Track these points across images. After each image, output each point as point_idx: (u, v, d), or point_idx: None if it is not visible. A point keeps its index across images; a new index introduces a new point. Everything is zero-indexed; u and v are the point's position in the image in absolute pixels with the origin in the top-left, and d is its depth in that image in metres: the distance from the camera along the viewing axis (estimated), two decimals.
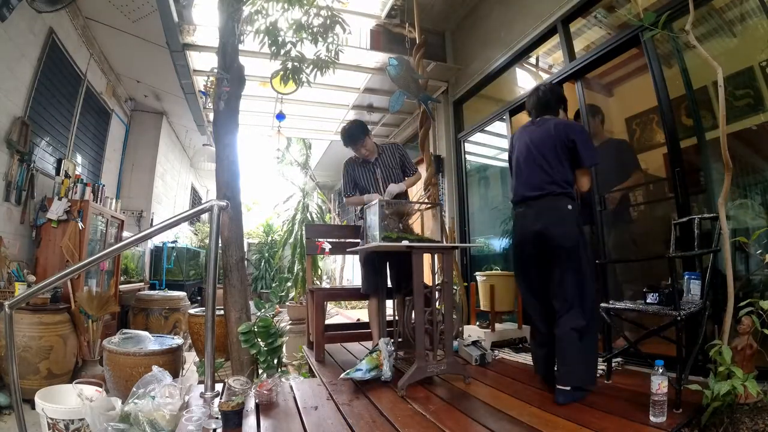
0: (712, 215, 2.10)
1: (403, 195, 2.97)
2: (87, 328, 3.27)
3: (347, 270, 8.21)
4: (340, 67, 3.50)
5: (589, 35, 3.43)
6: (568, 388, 1.98)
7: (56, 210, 3.63)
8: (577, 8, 3.28)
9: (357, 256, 3.29)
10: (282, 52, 2.68)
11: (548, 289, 2.16)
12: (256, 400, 2.02)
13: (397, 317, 2.99)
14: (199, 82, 4.65)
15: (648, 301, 2.06)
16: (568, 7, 3.32)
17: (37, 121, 3.71)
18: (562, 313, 2.06)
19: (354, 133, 2.93)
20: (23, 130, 3.41)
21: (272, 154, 7.05)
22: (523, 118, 4.09)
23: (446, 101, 5.05)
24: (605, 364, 2.37)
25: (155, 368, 2.19)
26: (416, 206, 2.91)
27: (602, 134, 3.24)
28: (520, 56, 4.00)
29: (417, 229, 2.89)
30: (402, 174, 3.05)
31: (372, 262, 2.88)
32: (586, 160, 2.13)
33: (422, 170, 4.13)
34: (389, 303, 3.07)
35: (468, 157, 4.89)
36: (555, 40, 3.59)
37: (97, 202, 4.16)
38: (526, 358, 2.95)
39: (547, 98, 2.33)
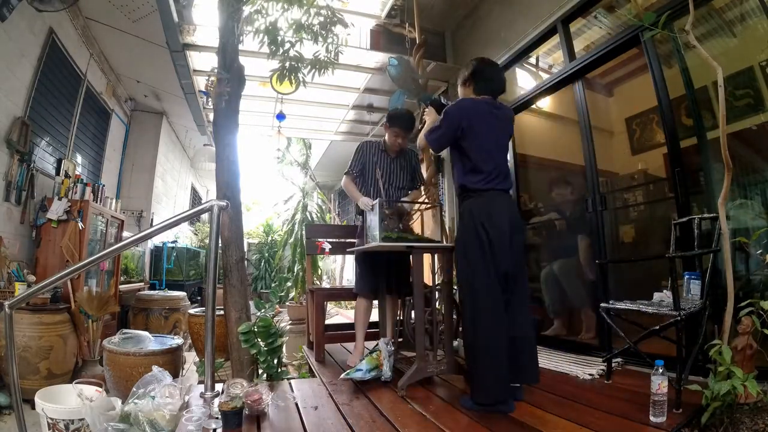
0: (712, 215, 2.10)
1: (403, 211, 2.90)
2: (87, 328, 3.27)
3: (347, 270, 8.21)
4: (340, 67, 3.50)
5: (589, 35, 3.43)
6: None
7: (56, 210, 3.63)
8: (577, 8, 3.28)
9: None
10: (280, 51, 2.68)
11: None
12: (247, 412, 1.88)
13: (380, 318, 2.98)
14: (199, 82, 4.65)
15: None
16: (568, 7, 3.32)
17: (37, 121, 3.71)
18: (522, 309, 2.08)
19: (410, 121, 2.92)
20: (23, 130, 3.41)
21: (272, 154, 7.06)
22: (524, 117, 4.11)
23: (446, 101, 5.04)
24: (605, 364, 2.38)
25: (155, 368, 2.19)
26: (415, 206, 2.91)
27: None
28: (520, 56, 4.00)
29: (417, 229, 2.89)
30: (407, 182, 2.99)
31: (369, 262, 2.85)
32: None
33: (422, 170, 4.13)
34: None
35: None
36: (555, 40, 3.59)
37: (97, 202, 4.16)
38: None
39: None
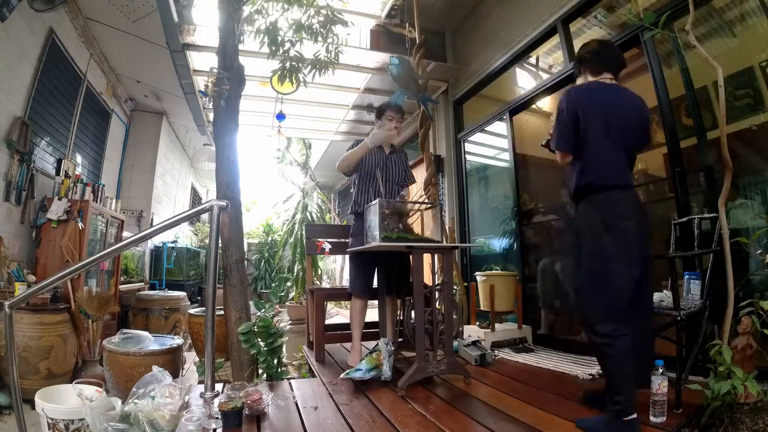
0: (712, 215, 2.10)
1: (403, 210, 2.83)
2: (87, 328, 3.27)
3: (347, 270, 8.22)
4: (340, 67, 3.50)
5: (589, 35, 3.43)
6: None
7: (56, 210, 3.63)
8: (577, 8, 3.29)
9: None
10: (280, 51, 2.68)
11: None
12: (247, 412, 1.87)
13: (380, 318, 2.98)
14: (199, 82, 4.65)
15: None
16: (568, 7, 3.32)
17: (37, 121, 3.71)
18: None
19: (399, 105, 2.97)
20: (23, 130, 3.41)
21: (272, 154, 7.06)
22: (524, 118, 4.11)
23: (446, 101, 5.05)
24: None
25: (155, 368, 2.19)
26: (415, 206, 2.91)
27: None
28: (520, 56, 4.00)
29: (417, 229, 2.89)
30: (401, 178, 2.97)
31: (364, 262, 2.83)
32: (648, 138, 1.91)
33: (422, 170, 4.13)
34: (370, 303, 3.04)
35: (468, 157, 4.89)
36: (555, 40, 3.60)
37: (97, 202, 4.16)
38: (526, 358, 2.96)
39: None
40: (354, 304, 2.92)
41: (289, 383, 2.45)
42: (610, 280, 1.70)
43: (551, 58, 3.90)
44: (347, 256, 3.00)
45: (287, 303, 5.90)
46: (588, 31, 3.43)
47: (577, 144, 1.81)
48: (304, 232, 4.83)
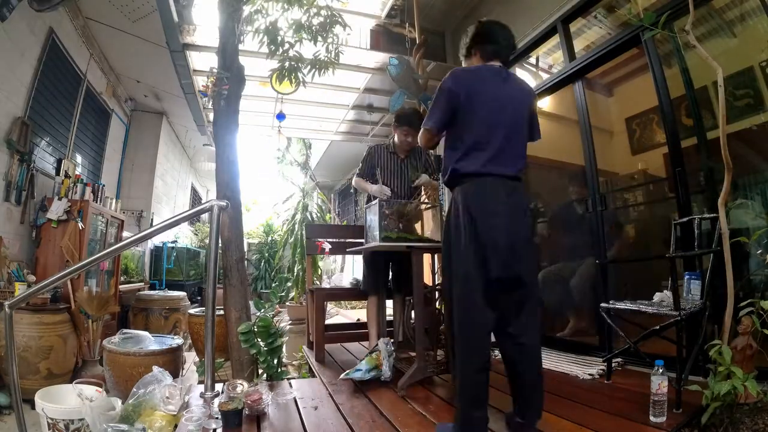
0: (712, 215, 2.10)
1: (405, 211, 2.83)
2: (87, 328, 3.27)
3: (347, 270, 8.22)
4: (340, 67, 3.49)
5: (589, 35, 3.43)
6: None
7: (56, 210, 3.63)
8: (577, 8, 3.28)
9: (357, 257, 3.28)
10: (280, 50, 2.68)
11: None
12: (247, 412, 1.86)
13: (393, 317, 3.00)
14: (199, 82, 4.65)
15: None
16: (568, 7, 3.32)
17: (37, 121, 3.71)
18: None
19: (417, 117, 2.94)
20: (23, 130, 3.41)
21: (272, 154, 7.06)
22: None
23: None
24: (605, 364, 2.38)
25: (155, 368, 2.19)
26: (417, 209, 2.91)
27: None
28: (520, 56, 3.99)
29: (417, 229, 2.89)
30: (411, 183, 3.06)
31: (374, 261, 2.90)
32: (538, 134, 1.87)
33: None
34: (388, 303, 3.07)
35: None
36: (555, 40, 3.59)
37: (97, 202, 4.16)
38: None
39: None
40: (368, 302, 2.98)
41: (289, 383, 2.45)
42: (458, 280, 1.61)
43: (551, 58, 3.89)
44: (347, 257, 3.08)
45: (287, 303, 5.91)
46: (588, 31, 3.43)
47: (452, 127, 1.73)
48: (304, 232, 4.83)
